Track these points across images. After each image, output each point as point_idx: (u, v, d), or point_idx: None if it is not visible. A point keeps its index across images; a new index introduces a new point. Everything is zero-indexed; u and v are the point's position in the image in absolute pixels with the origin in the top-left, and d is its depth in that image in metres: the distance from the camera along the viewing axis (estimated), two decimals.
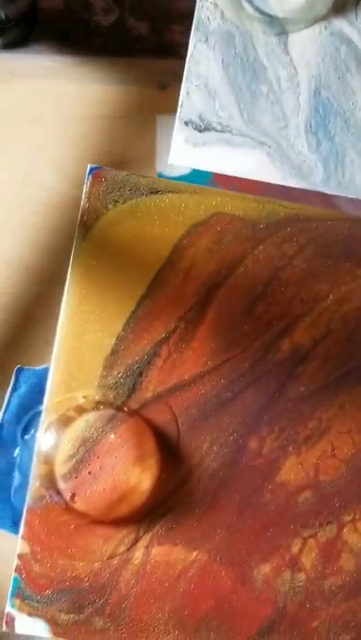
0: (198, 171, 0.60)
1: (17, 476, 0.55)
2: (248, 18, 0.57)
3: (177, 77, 0.59)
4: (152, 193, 0.55)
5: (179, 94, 0.58)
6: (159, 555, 0.53)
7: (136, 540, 0.53)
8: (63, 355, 0.54)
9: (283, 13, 0.56)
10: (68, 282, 0.54)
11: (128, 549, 0.53)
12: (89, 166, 0.55)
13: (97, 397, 0.53)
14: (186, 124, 0.57)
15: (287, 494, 0.54)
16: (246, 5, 0.56)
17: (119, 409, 0.53)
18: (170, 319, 0.54)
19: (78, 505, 0.52)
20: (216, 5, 0.57)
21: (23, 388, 0.56)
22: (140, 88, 0.64)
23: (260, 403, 0.54)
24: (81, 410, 0.52)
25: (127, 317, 0.54)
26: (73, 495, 0.52)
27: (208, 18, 0.57)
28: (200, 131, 0.57)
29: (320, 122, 0.56)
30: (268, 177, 0.57)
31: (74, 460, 0.52)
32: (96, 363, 0.54)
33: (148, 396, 0.54)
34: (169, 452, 0.53)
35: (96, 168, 0.55)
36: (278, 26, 0.56)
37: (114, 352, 0.54)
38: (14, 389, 0.56)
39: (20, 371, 0.57)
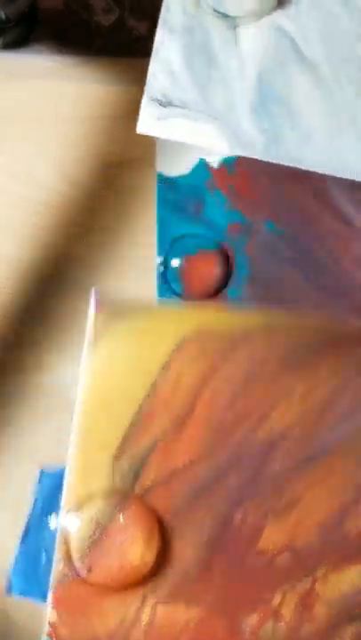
0: (197, 171, 0.64)
1: (43, 556, 0.63)
2: (206, 14, 0.63)
3: None
4: (148, 314, 0.61)
5: None
6: (164, 613, 0.58)
7: (144, 602, 0.58)
8: (79, 455, 0.59)
9: (236, 13, 0.62)
10: (81, 390, 0.58)
11: (138, 610, 0.58)
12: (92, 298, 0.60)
13: (107, 486, 0.59)
14: (152, 99, 0.62)
15: (269, 556, 0.58)
16: (204, 5, 0.63)
17: (126, 495, 0.59)
18: (165, 418, 0.60)
19: (94, 579, 0.58)
20: (180, 2, 0.63)
21: (45, 490, 0.62)
22: (141, 88, 0.62)
23: (244, 480, 0.59)
24: (94, 497, 0.59)
25: (130, 420, 0.59)
26: (89, 570, 0.58)
27: (173, 12, 0.63)
28: (164, 106, 0.62)
29: (262, 105, 0.62)
30: (219, 147, 0.62)
31: (89, 541, 0.58)
32: (106, 457, 0.58)
33: (149, 484, 0.59)
34: (168, 528, 0.58)
35: (96, 295, 0.60)
36: (231, 22, 0.63)
37: (119, 448, 0.59)
38: (39, 492, 0.62)
39: (42, 473, 0.63)
